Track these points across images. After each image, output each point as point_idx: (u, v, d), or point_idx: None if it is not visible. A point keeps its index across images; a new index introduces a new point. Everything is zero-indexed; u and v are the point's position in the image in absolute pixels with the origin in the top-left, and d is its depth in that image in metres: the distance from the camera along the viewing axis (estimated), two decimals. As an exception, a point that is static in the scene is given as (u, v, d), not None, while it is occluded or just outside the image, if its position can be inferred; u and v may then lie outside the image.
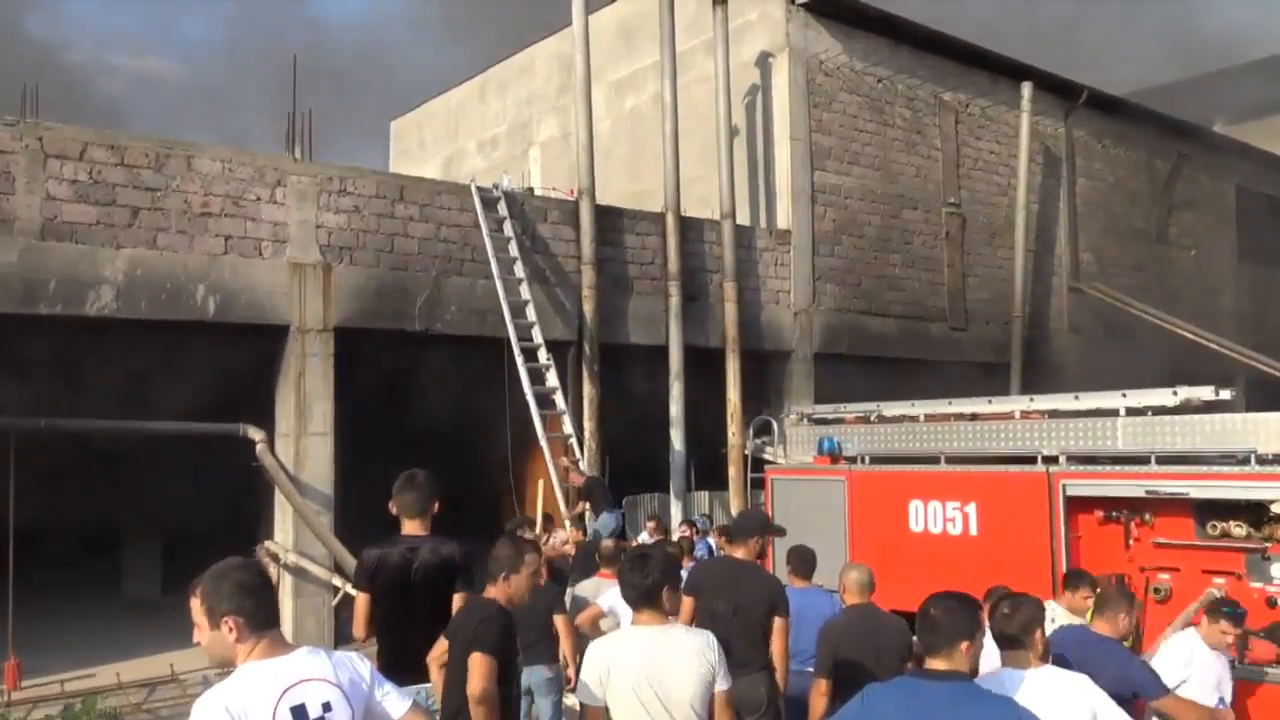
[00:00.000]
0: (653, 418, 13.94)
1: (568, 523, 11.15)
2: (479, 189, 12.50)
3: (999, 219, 18.89)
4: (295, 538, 11.06)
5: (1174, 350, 17.97)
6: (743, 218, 15.49)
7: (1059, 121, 20.17)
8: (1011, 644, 3.76)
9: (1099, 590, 5.52)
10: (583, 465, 12.09)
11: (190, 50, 73.65)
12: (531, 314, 12.15)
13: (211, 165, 10.78)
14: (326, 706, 2.81)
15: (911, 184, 17.60)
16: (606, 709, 3.95)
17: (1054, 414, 8.37)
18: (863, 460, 9.14)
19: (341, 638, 10.76)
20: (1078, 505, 7.47)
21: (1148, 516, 7.19)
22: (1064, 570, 7.25)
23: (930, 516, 8.27)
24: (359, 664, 2.99)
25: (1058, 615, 5.58)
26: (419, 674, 4.36)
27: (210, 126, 74.77)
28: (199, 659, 9.12)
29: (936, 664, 3.27)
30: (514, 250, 12.36)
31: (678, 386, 13.77)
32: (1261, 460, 6.69)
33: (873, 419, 9.74)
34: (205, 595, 2.82)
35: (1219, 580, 6.76)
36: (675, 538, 11.35)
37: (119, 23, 73.52)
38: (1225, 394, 7.77)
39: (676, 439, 13.76)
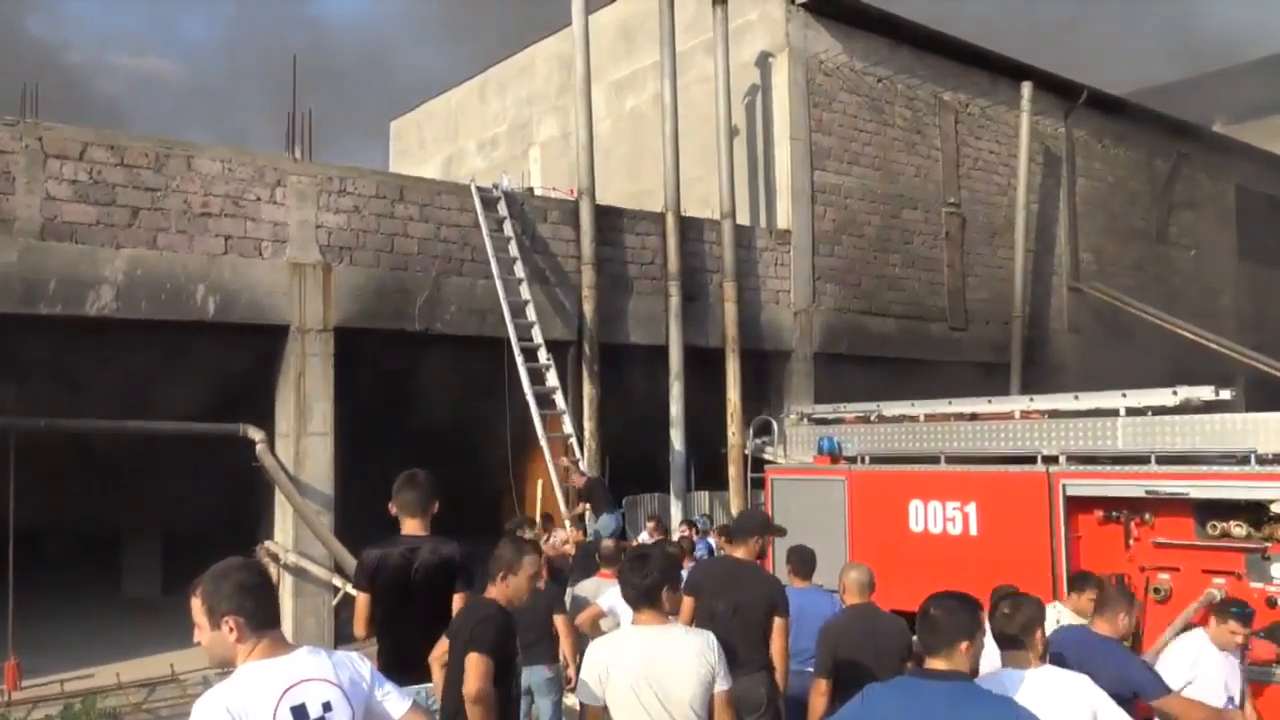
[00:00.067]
0: (653, 418, 13.94)
1: (568, 523, 11.16)
2: (479, 189, 12.50)
3: (999, 219, 18.89)
4: (295, 538, 11.06)
5: (1174, 350, 17.97)
6: (743, 218, 15.49)
7: (1059, 121, 20.18)
8: (1011, 644, 3.76)
9: (1100, 591, 5.51)
10: (583, 465, 12.09)
11: (190, 50, 73.67)
12: (531, 314, 12.15)
13: (211, 165, 10.78)
14: (327, 706, 2.81)
15: (911, 184, 17.60)
16: (606, 709, 3.96)
17: (1054, 414, 8.37)
18: (863, 460, 9.13)
19: (341, 638, 10.76)
20: (1078, 505, 7.46)
21: (1148, 516, 7.19)
22: (1064, 570, 7.27)
23: (930, 516, 8.27)
24: (359, 664, 2.99)
25: (1063, 616, 5.57)
26: (419, 674, 4.36)
27: (210, 126, 74.78)
28: (199, 659, 9.12)
29: (936, 664, 3.27)
30: (514, 250, 12.37)
31: (678, 386, 13.77)
32: (1261, 460, 6.69)
33: (873, 419, 9.74)
34: (206, 595, 2.82)
35: (1219, 580, 6.76)
36: (675, 538, 11.35)
37: (119, 23, 73.56)
38: (1225, 394, 7.78)
39: (676, 439, 13.76)
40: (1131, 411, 7.77)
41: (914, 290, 17.45)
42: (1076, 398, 8.52)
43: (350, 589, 10.35)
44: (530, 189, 15.37)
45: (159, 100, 61.40)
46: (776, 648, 5.32)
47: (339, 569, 10.90)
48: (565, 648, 6.84)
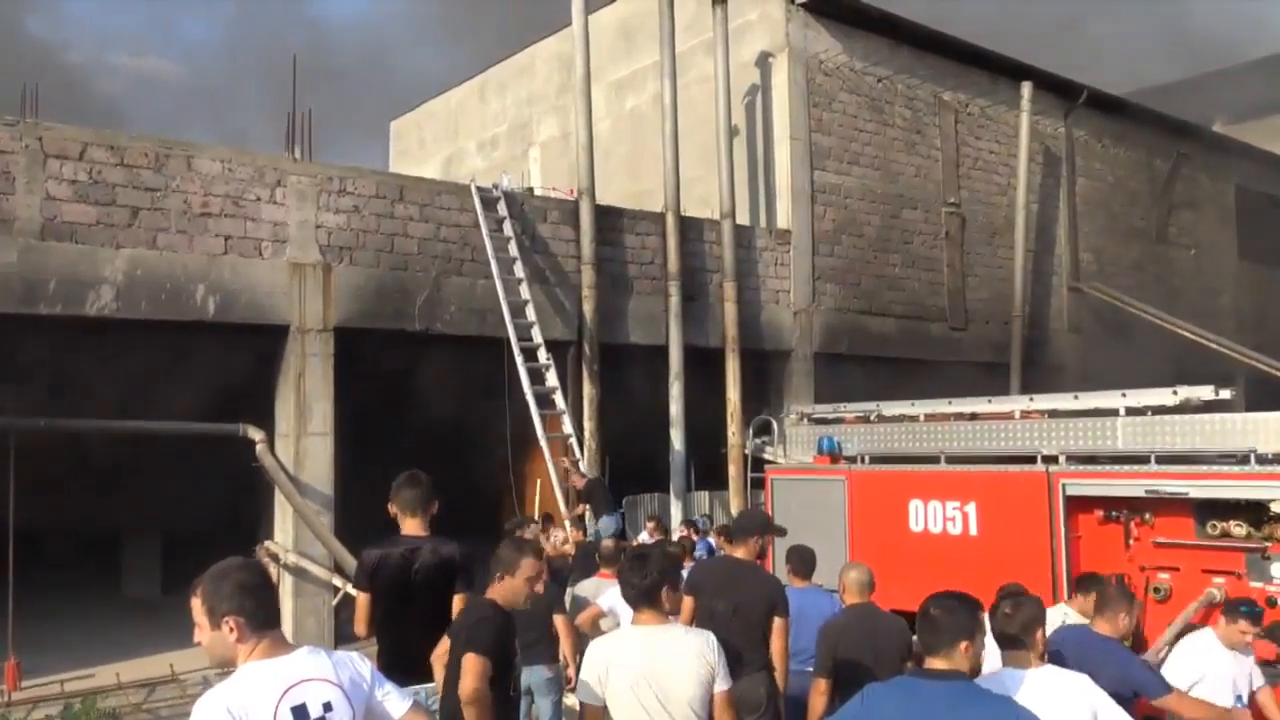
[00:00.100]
0: (653, 418, 13.95)
1: (568, 523, 11.15)
2: (479, 189, 12.50)
3: (999, 219, 18.90)
4: (295, 538, 11.06)
5: (1174, 350, 17.98)
6: (743, 218, 15.49)
7: (1059, 121, 20.18)
8: (1012, 644, 3.75)
9: (1090, 589, 5.52)
10: (583, 465, 12.08)
11: (190, 50, 73.70)
12: (531, 314, 12.15)
13: (211, 165, 10.78)
14: (327, 706, 2.81)
15: (911, 184, 17.60)
16: (606, 708, 3.96)
17: (1054, 414, 8.38)
18: (863, 460, 9.14)
19: (341, 638, 10.76)
20: (1078, 505, 7.47)
21: (1148, 516, 7.20)
22: (1064, 570, 7.28)
23: (930, 516, 8.28)
24: (359, 664, 2.99)
25: (1070, 618, 5.56)
26: (419, 674, 4.36)
27: (210, 126, 74.78)
28: (199, 659, 9.13)
29: (936, 664, 3.27)
30: (514, 250, 12.37)
31: (677, 386, 13.77)
32: (1261, 460, 6.70)
33: (872, 419, 9.75)
34: (206, 595, 2.82)
35: (1219, 580, 6.76)
36: (675, 537, 11.35)
37: (119, 23, 73.57)
38: (1225, 394, 7.79)
39: (676, 439, 13.77)
40: (1131, 411, 7.77)
41: (914, 290, 17.45)
42: (1076, 398, 8.54)
43: (350, 589, 10.35)
44: (530, 189, 15.38)
45: (159, 100, 61.45)
46: (776, 648, 5.32)
47: (339, 569, 10.90)
48: (565, 648, 6.84)
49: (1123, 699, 4.03)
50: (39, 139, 9.85)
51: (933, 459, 8.55)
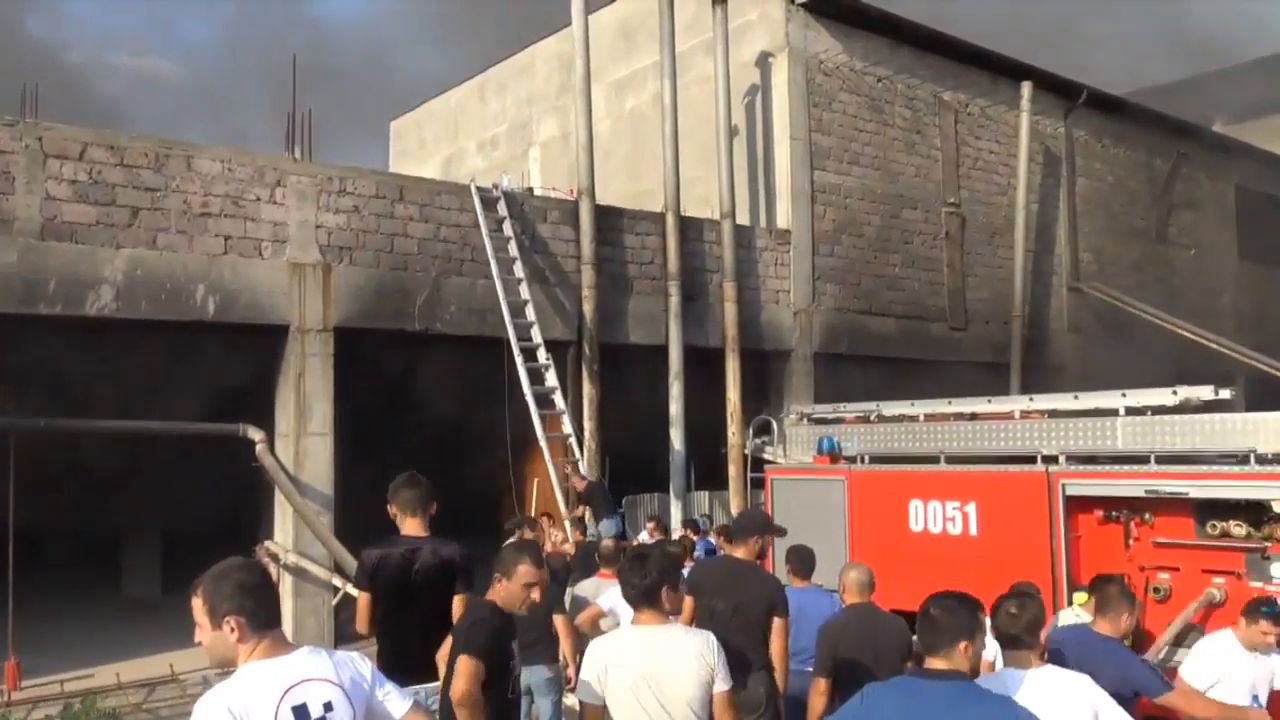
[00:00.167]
0: (653, 418, 13.95)
1: (568, 524, 11.16)
2: (479, 189, 12.50)
3: (999, 219, 18.90)
4: (295, 538, 11.06)
5: (1174, 350, 17.98)
6: (742, 218, 15.49)
7: (1059, 121, 20.19)
8: (1014, 644, 3.75)
9: (1094, 589, 5.51)
10: (582, 466, 12.10)
11: (190, 50, 73.70)
12: (531, 314, 12.16)
13: (211, 165, 10.78)
14: (328, 706, 2.81)
15: (911, 184, 17.61)
16: (606, 708, 3.95)
17: (1054, 414, 8.38)
18: (862, 460, 9.13)
19: (342, 637, 10.77)
20: (1077, 505, 7.46)
21: (1147, 516, 7.19)
22: (1064, 570, 7.27)
23: (930, 516, 8.27)
24: (360, 664, 2.99)
25: (1083, 618, 5.53)
26: (419, 674, 4.36)
27: (210, 126, 74.75)
28: (199, 659, 9.13)
29: (936, 664, 3.27)
30: (514, 250, 12.37)
31: (677, 386, 13.77)
32: (1261, 460, 6.69)
33: (872, 419, 9.75)
34: (207, 595, 2.82)
35: (1219, 580, 6.76)
36: (675, 537, 11.34)
37: (119, 23, 73.57)
38: (1225, 394, 7.79)
39: (676, 439, 13.77)
40: (1131, 411, 7.77)
41: (914, 290, 17.46)
42: (1076, 397, 8.53)
43: (350, 589, 10.35)
44: (530, 189, 15.38)
45: (159, 100, 61.45)
46: (776, 648, 5.31)
47: (339, 569, 10.91)
48: (565, 648, 6.84)
49: (1123, 699, 4.03)
50: (39, 139, 9.85)
51: (933, 459, 8.54)
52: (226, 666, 2.86)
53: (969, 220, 18.45)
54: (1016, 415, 8.54)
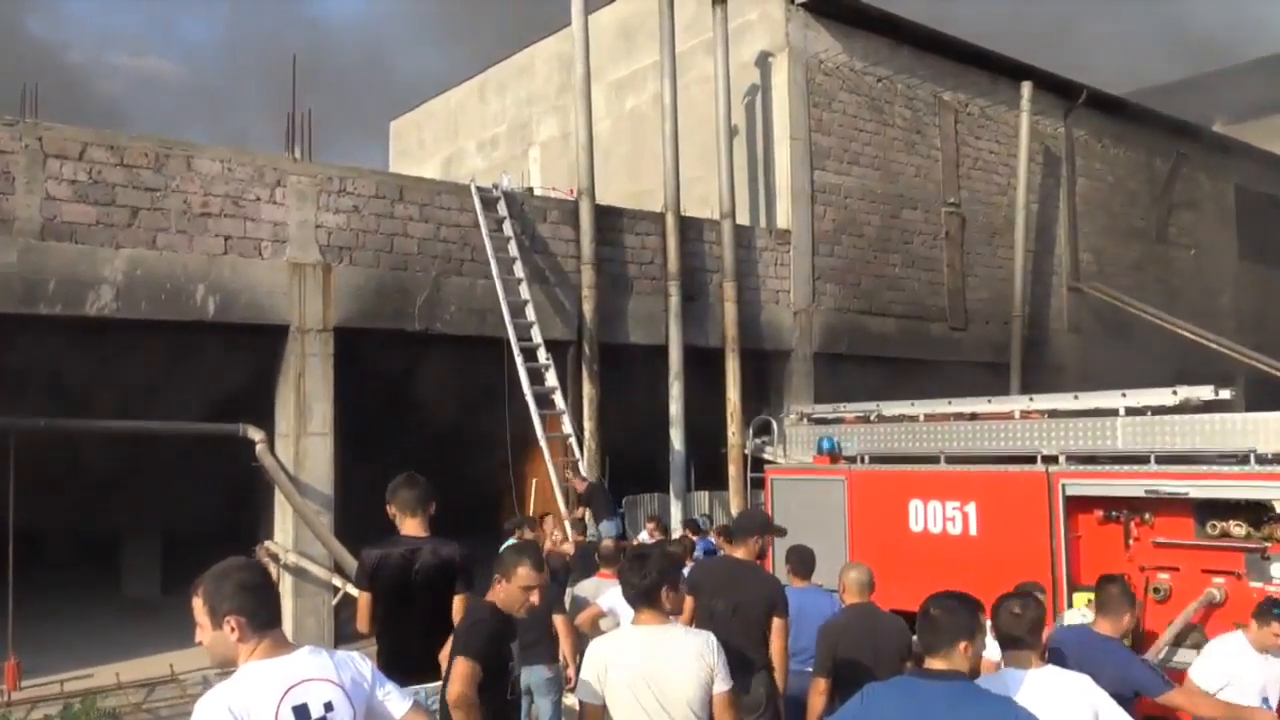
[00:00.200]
0: (653, 418, 13.95)
1: (568, 524, 11.16)
2: (479, 189, 12.50)
3: (999, 219, 18.90)
4: (295, 538, 11.06)
5: (1174, 350, 17.98)
6: (742, 218, 15.50)
7: (1059, 121, 20.19)
8: (1015, 644, 3.73)
9: (1099, 590, 5.50)
10: (582, 466, 12.10)
11: (190, 50, 73.73)
12: (531, 314, 12.16)
13: (211, 165, 10.78)
14: (328, 706, 2.81)
15: (911, 184, 17.61)
16: (605, 708, 3.95)
17: (1053, 414, 8.38)
18: (862, 460, 9.13)
19: (342, 637, 10.77)
20: (1077, 505, 7.46)
21: (1147, 516, 7.19)
22: (1064, 570, 7.27)
23: (930, 516, 8.27)
24: (360, 664, 2.99)
25: (1088, 618, 5.51)
26: (419, 674, 4.36)
27: (210, 126, 74.77)
28: (198, 659, 9.13)
29: (936, 664, 3.27)
30: (514, 250, 12.37)
31: (677, 386, 13.77)
32: (1261, 460, 6.68)
33: (872, 419, 9.74)
34: (207, 595, 2.82)
35: (1219, 580, 6.76)
36: (675, 536, 11.34)
37: (119, 23, 73.58)
38: (1225, 394, 7.79)
39: (676, 439, 13.77)
40: (1131, 411, 7.77)
41: (914, 290, 17.46)
42: (1076, 398, 8.53)
43: (350, 589, 10.35)
44: (530, 189, 15.39)
45: (159, 100, 61.47)
46: (776, 648, 5.31)
47: (339, 569, 10.91)
48: (565, 648, 6.84)
49: (1123, 699, 4.02)
50: (39, 139, 9.85)
51: (933, 459, 8.54)
52: (227, 666, 2.86)
53: (969, 220, 18.45)
54: (1016, 415, 8.54)
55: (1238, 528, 6.72)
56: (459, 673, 3.87)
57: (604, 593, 7.07)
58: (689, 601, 5.35)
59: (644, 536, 11.50)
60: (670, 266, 14.00)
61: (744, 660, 4.91)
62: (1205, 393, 7.72)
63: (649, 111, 17.03)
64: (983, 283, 18.53)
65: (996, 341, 18.32)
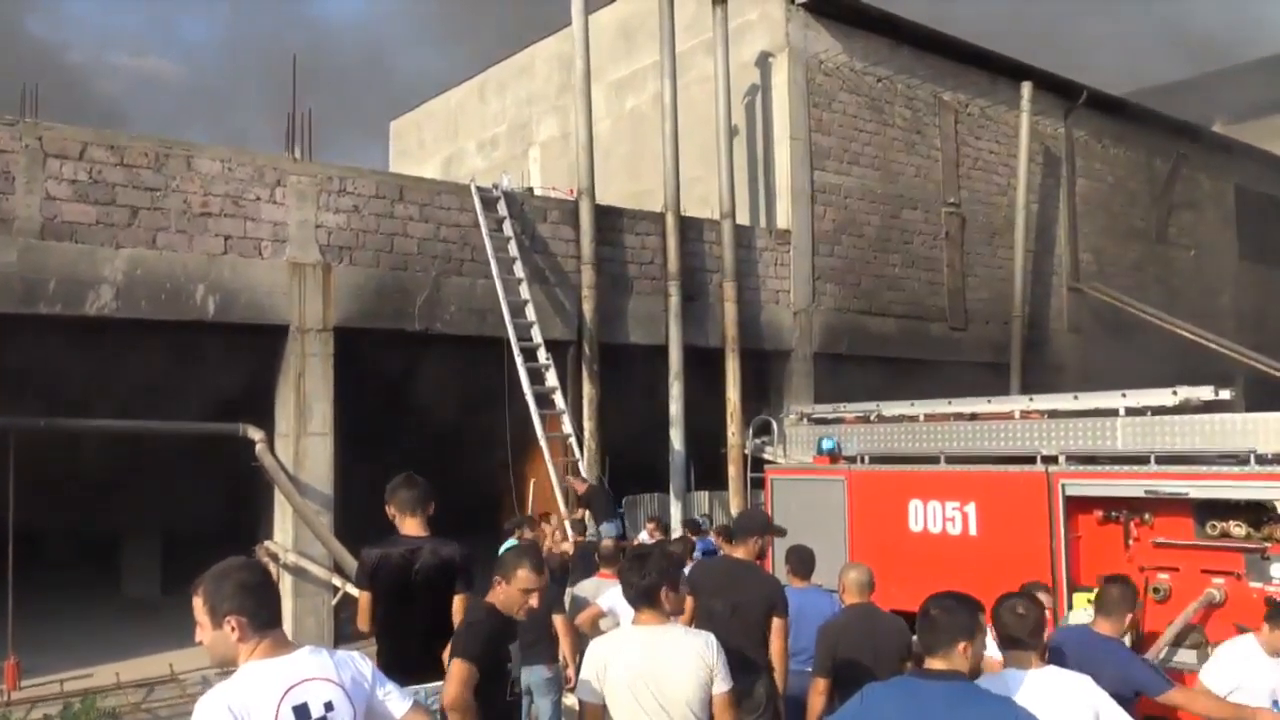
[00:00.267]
0: (653, 418, 13.95)
1: (567, 524, 11.16)
2: (479, 189, 12.50)
3: (999, 219, 18.90)
4: (295, 537, 11.06)
5: (1174, 350, 17.98)
6: (743, 218, 15.49)
7: (1059, 121, 20.19)
8: (1017, 644, 3.72)
9: (1099, 590, 5.50)
10: (582, 466, 12.09)
11: (190, 50, 73.73)
12: (531, 314, 12.16)
13: (211, 165, 10.78)
14: (329, 706, 2.82)
15: (911, 184, 17.61)
16: (605, 707, 3.96)
17: (1053, 414, 8.37)
18: (862, 460, 9.13)
19: (341, 637, 10.77)
20: (1077, 505, 7.46)
21: (1147, 516, 7.19)
22: (1064, 571, 7.27)
23: (930, 516, 8.27)
24: (360, 663, 2.99)
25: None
26: (419, 674, 4.36)
27: (210, 126, 74.77)
28: (198, 659, 9.13)
29: (935, 664, 3.27)
30: (514, 250, 12.37)
31: (677, 386, 13.77)
32: (1261, 460, 6.69)
33: (872, 419, 9.74)
34: (208, 595, 2.82)
35: (1218, 580, 6.76)
36: (675, 536, 11.34)
37: (119, 23, 73.58)
38: (1225, 394, 7.78)
39: (676, 439, 13.77)
40: (1131, 411, 7.77)
41: (914, 290, 17.46)
42: (1076, 398, 8.52)
43: (349, 588, 10.36)
44: (530, 189, 15.39)
45: (159, 100, 61.46)
46: (775, 648, 5.31)
47: (338, 569, 10.91)
48: (565, 648, 6.84)
49: (1123, 699, 4.02)
50: (39, 138, 9.85)
51: (932, 459, 8.54)
52: (227, 666, 2.86)
53: (969, 220, 18.45)
54: (1016, 415, 8.53)
55: (1237, 528, 6.73)
56: (455, 675, 3.88)
57: (604, 593, 7.07)
58: (690, 601, 5.34)
59: (644, 536, 11.50)
60: (670, 266, 14.00)
61: (744, 660, 4.90)
62: (1205, 393, 7.72)
63: (649, 111, 17.02)
64: (983, 283, 18.53)
65: (996, 341, 18.32)
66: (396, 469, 5.27)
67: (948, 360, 17.35)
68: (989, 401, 9.27)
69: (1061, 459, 7.76)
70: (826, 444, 9.49)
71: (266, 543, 11.30)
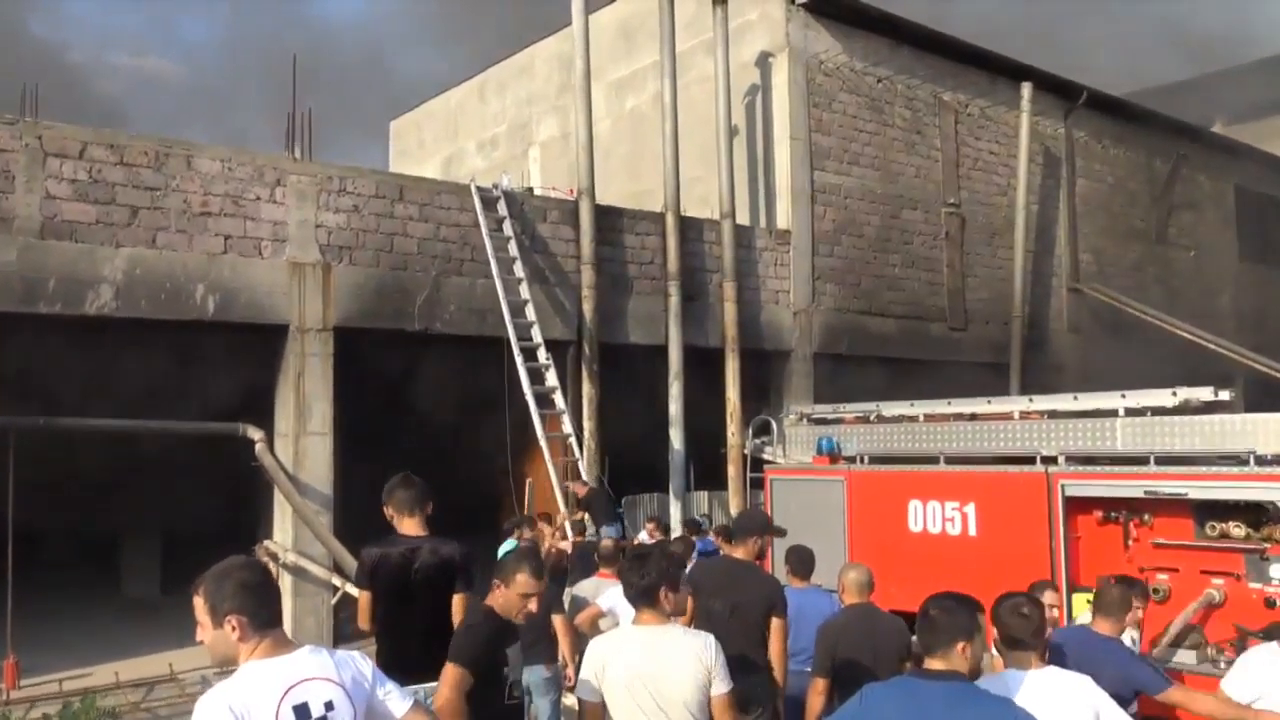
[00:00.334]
0: (652, 418, 13.95)
1: (567, 525, 11.16)
2: (478, 189, 12.50)
3: (999, 219, 18.90)
4: (294, 537, 11.06)
5: (1174, 351, 17.99)
6: (742, 218, 15.49)
7: (1059, 122, 20.19)
8: (1018, 645, 3.72)
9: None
10: (582, 466, 12.09)
11: (190, 50, 73.72)
12: (531, 314, 12.16)
13: (211, 165, 10.78)
14: (329, 705, 2.82)
15: (911, 184, 17.61)
16: (605, 707, 3.96)
17: (1053, 414, 8.38)
18: (862, 460, 9.14)
19: (341, 637, 10.77)
20: (1077, 506, 7.47)
21: (1147, 517, 7.20)
22: (1064, 571, 7.27)
23: (929, 516, 8.28)
24: (361, 663, 2.99)
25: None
26: (418, 674, 4.36)
27: (210, 126, 74.79)
28: (197, 658, 9.14)
29: (934, 664, 3.27)
30: (513, 250, 12.37)
31: (677, 386, 13.77)
32: (1261, 461, 6.69)
33: (872, 419, 9.75)
34: (208, 594, 2.83)
35: (1218, 581, 6.77)
36: (676, 536, 11.34)
37: (119, 23, 73.56)
38: (1224, 395, 7.78)
39: (676, 439, 13.77)
40: (1130, 412, 7.77)
41: (914, 290, 17.46)
42: (1076, 398, 8.53)
43: (349, 588, 10.36)
44: (530, 189, 15.39)
45: (159, 100, 61.45)
46: (775, 648, 5.31)
47: (338, 568, 10.91)
48: (564, 648, 6.84)
49: (1123, 699, 4.03)
50: (39, 138, 9.85)
51: (932, 459, 8.55)
52: (228, 665, 2.86)
53: (969, 220, 18.45)
54: (1016, 416, 8.54)
55: (1237, 529, 6.73)
56: (447, 679, 3.89)
57: (603, 593, 7.07)
58: (691, 602, 5.34)
59: (643, 536, 11.50)
60: (670, 266, 14.00)
61: (743, 660, 4.90)
62: (1205, 394, 7.73)
63: (649, 111, 17.03)
64: (983, 283, 18.53)
65: (996, 342, 18.32)
66: (396, 469, 5.27)
67: (947, 360, 17.35)
68: (989, 402, 9.27)
69: (1061, 459, 7.76)
70: (826, 444, 9.49)
71: (266, 542, 11.31)
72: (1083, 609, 6.64)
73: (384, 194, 11.93)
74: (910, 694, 3.23)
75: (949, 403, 9.23)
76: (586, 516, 11.26)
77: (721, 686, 3.92)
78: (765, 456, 13.15)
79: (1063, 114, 20.18)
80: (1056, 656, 4.25)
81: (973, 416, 8.85)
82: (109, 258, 10.08)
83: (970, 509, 8.01)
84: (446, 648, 4.04)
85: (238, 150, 11.19)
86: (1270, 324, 22.75)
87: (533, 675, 6.72)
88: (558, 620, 6.80)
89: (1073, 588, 7.21)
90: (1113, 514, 7.34)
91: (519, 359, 11.70)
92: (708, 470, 14.58)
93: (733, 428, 14.29)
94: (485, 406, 12.44)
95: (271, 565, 10.84)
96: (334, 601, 11.15)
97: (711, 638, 4.04)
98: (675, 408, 13.76)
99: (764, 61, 16.18)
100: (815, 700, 5.27)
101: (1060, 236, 20.13)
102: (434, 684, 4.26)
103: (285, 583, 11.00)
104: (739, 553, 5.65)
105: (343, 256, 11.53)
